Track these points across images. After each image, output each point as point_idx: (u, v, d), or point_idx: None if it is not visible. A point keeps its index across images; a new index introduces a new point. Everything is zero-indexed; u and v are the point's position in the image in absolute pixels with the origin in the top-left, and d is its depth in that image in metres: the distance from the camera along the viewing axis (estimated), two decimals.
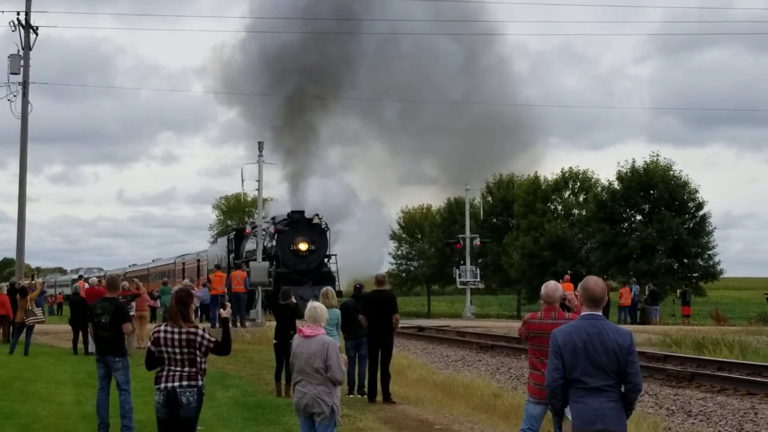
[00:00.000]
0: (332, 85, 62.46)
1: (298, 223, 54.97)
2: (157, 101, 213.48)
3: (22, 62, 46.91)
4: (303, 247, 53.59)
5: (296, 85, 62.19)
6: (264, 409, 18.26)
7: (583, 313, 9.23)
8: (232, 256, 65.29)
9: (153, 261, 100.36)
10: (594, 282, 9.29)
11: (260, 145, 49.77)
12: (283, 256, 53.38)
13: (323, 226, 56.24)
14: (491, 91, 67.37)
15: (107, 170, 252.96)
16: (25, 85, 47.11)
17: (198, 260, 79.47)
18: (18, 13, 46.78)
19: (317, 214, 56.04)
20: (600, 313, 9.15)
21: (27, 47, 47.19)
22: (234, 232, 67.29)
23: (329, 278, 53.33)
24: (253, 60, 66.69)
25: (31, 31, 47.22)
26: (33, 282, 38.16)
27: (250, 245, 61.06)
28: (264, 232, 56.18)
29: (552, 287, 12.14)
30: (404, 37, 66.61)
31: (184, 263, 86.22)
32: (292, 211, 56.60)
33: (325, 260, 57.17)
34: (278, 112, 61.80)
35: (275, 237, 54.68)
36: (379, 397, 19.69)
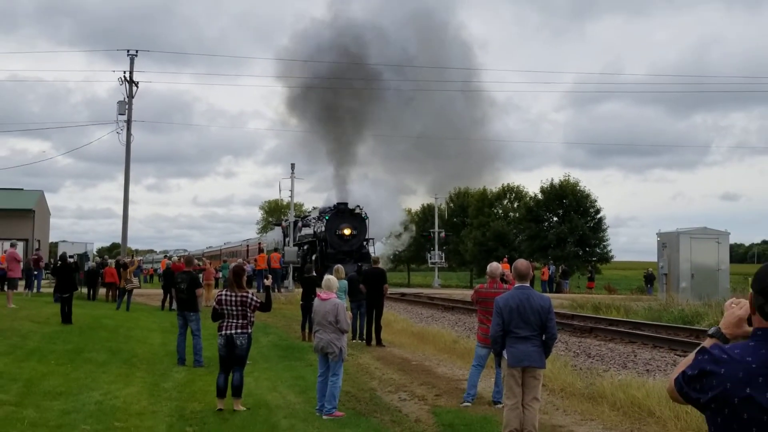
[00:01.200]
0: (357, 123, 59.66)
1: (343, 213, 50.83)
2: (222, 134, 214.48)
3: (126, 107, 46.94)
4: (347, 232, 49.52)
5: (334, 122, 58.98)
6: (293, 350, 18.39)
7: (516, 285, 9.34)
8: (288, 239, 58.98)
9: (225, 243, 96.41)
10: (522, 263, 9.56)
11: (292, 166, 51.63)
12: (330, 239, 49.39)
13: (363, 215, 51.82)
14: (459, 128, 63.77)
15: (186, 182, 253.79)
16: (128, 122, 47.13)
17: (259, 243, 72.02)
18: (124, 72, 47.03)
19: (358, 206, 52.02)
20: (528, 285, 9.37)
21: (130, 96, 47.02)
22: (288, 223, 60.19)
23: (367, 258, 47.14)
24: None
25: (134, 84, 47.27)
26: (132, 259, 39.74)
27: (302, 231, 58.06)
28: (314, 221, 54.76)
29: (494, 266, 12.26)
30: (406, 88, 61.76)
31: (248, 245, 79.57)
32: (338, 203, 52.26)
33: (364, 243, 52.34)
34: (326, 136, 57.85)
35: (325, 223, 50.29)
36: (374, 342, 19.66)
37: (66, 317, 22.00)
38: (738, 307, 3.16)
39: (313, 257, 50.04)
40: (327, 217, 50.25)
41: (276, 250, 60.43)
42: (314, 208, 66.61)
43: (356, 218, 50.90)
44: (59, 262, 27.06)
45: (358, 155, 57.68)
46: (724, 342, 3.17)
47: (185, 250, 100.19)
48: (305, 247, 55.00)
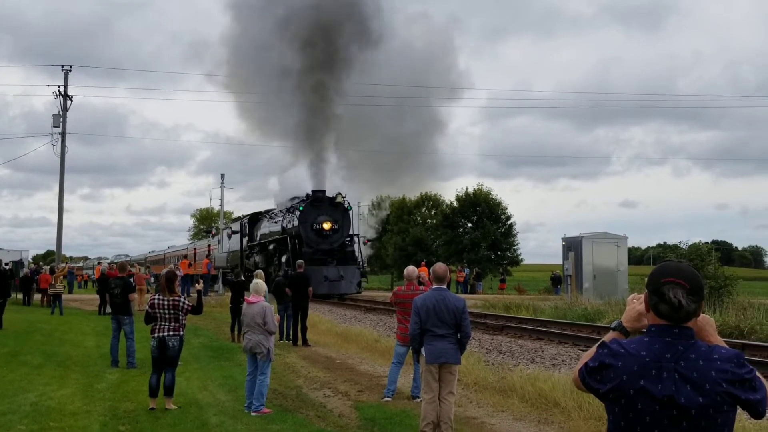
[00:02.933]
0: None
1: (321, 202, 39.08)
2: (155, 146, 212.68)
3: (61, 120, 46.84)
4: (326, 226, 38.16)
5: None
6: (223, 351, 18.20)
7: (433, 287, 9.40)
8: (245, 239, 49.04)
9: (168, 247, 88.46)
10: (440, 266, 9.61)
11: (222, 176, 50.33)
12: (305, 235, 38.12)
13: (346, 206, 40.08)
14: (387, 140, 58.39)
15: (120, 192, 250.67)
16: (63, 135, 46.98)
17: (209, 245, 61.37)
18: (59, 86, 47.04)
19: (340, 193, 39.89)
20: (444, 287, 9.44)
21: (64, 109, 47.02)
22: (248, 218, 49.99)
23: (353, 258, 39.46)
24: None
25: (68, 98, 47.05)
26: (63, 265, 39.56)
27: (264, 229, 46.34)
28: (281, 214, 42.67)
29: (410, 270, 12.35)
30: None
31: (195, 248, 68.90)
32: (315, 191, 39.94)
33: (347, 241, 40.97)
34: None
35: (298, 216, 38.65)
36: (300, 342, 19.55)
37: None
38: (638, 302, 3.25)
39: (283, 258, 39.21)
40: (301, 208, 38.37)
41: (208, 256, 54.99)
42: (268, 209, 53.38)
43: (337, 209, 39.34)
44: None
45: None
46: (626, 334, 3.26)
47: (127, 255, 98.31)
48: (271, 247, 43.32)
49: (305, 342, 19.64)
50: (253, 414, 10.61)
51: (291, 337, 20.03)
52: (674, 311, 3.03)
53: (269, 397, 11.24)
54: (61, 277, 31.44)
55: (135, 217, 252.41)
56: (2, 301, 22.69)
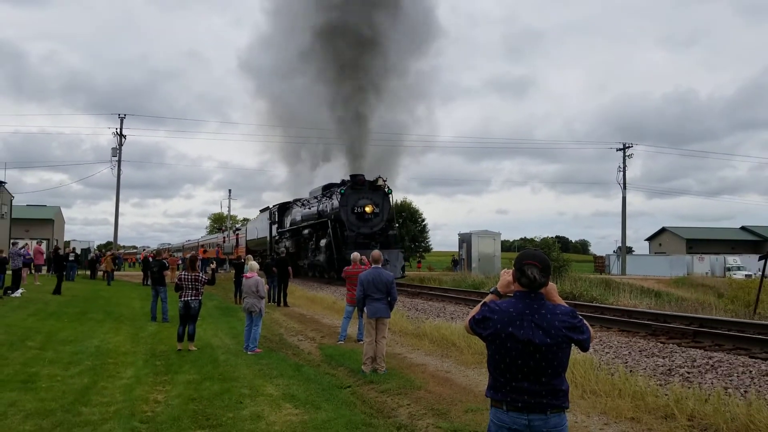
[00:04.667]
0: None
1: (361, 186, 28.21)
2: (184, 170, 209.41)
3: (117, 151, 46.30)
4: (368, 209, 27.61)
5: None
6: (229, 310, 17.91)
7: (372, 266, 9.33)
8: (275, 227, 38.07)
9: (202, 237, 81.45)
10: (376, 252, 9.57)
11: (229, 191, 47.74)
12: (346, 219, 27.47)
13: (386, 189, 28.80)
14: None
15: (159, 201, 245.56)
16: (119, 162, 46.34)
17: (237, 234, 52.72)
18: (116, 128, 46.60)
19: (380, 177, 28.88)
20: (379, 266, 9.32)
21: (120, 144, 46.40)
22: (277, 207, 38.30)
23: (395, 242, 28.63)
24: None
25: (123, 137, 46.38)
26: (112, 252, 39.20)
27: (296, 215, 34.61)
28: (316, 200, 30.99)
29: (355, 255, 12.48)
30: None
31: (224, 237, 59.66)
32: (354, 175, 28.77)
33: (387, 224, 29.07)
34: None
35: (338, 199, 27.65)
36: (282, 304, 19.39)
37: (57, 289, 21.29)
38: (507, 274, 3.27)
39: (322, 243, 28.66)
40: (342, 191, 27.59)
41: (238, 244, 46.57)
42: (259, 212, 45.08)
43: (377, 192, 28.22)
44: (53, 254, 28.67)
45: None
46: (500, 296, 3.28)
47: (169, 244, 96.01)
48: (306, 232, 31.54)
49: (286, 304, 19.47)
50: (249, 353, 10.51)
51: (276, 300, 19.88)
52: (531, 283, 3.08)
53: (260, 341, 11.14)
54: (109, 260, 31.02)
55: (169, 218, 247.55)
56: (59, 274, 22.56)
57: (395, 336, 12.08)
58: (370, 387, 7.91)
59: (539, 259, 3.11)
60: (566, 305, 3.15)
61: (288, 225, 36.01)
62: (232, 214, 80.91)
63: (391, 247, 26.95)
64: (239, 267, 20.62)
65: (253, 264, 11.45)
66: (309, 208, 32.30)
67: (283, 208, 37.86)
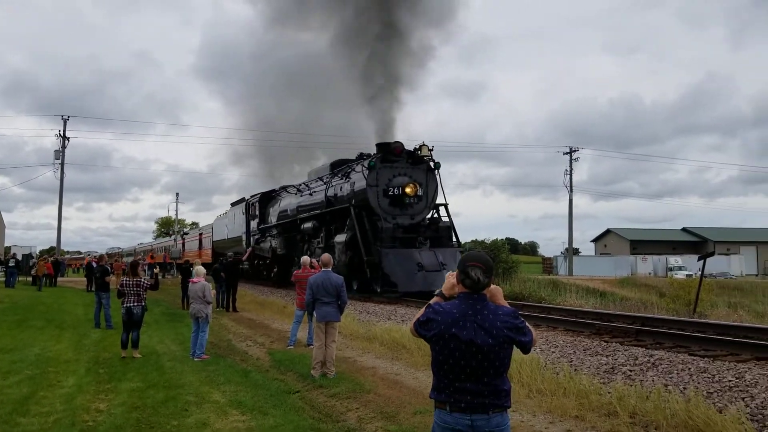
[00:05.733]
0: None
1: (397, 157, 19.60)
2: (131, 173, 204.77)
3: (60, 154, 45.19)
4: (409, 190, 19.24)
5: None
6: (176, 316, 17.67)
7: (321, 269, 9.27)
8: (255, 221, 30.25)
9: (155, 240, 79.14)
10: (326, 256, 9.51)
11: (177, 194, 44.94)
12: (377, 204, 19.21)
13: (433, 163, 19.95)
14: None
15: (104, 205, 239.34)
16: (62, 164, 45.29)
17: (200, 234, 46.93)
18: (59, 130, 45.55)
19: (425, 144, 19.84)
20: (329, 269, 9.23)
21: (63, 147, 45.34)
22: (258, 197, 30.47)
23: (449, 237, 19.84)
24: None
25: (66, 139, 45.45)
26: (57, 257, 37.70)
27: (286, 206, 26.64)
28: (319, 181, 23.69)
29: (305, 259, 12.39)
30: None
31: (183, 240, 53.78)
32: (384, 143, 19.84)
33: (434, 212, 20.67)
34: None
35: (366, 176, 19.28)
36: (231, 309, 19.16)
37: None
38: (452, 277, 3.30)
39: (339, 238, 20.13)
40: (372, 163, 19.31)
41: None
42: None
43: (420, 167, 19.84)
44: None
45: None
46: (444, 298, 3.30)
47: (119, 248, 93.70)
48: (306, 226, 23.20)
49: (234, 309, 19.24)
50: (195, 359, 10.34)
51: (224, 305, 19.61)
52: (475, 284, 3.11)
53: (207, 347, 10.97)
54: (41, 265, 30.32)
55: (115, 223, 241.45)
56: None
57: (345, 339, 12.05)
58: (319, 391, 7.86)
59: (482, 260, 3.15)
60: (509, 306, 3.20)
61: (275, 219, 27.94)
62: (180, 218, 79.29)
63: (444, 245, 18.99)
64: (186, 272, 20.27)
65: (199, 268, 11.26)
66: (311, 194, 23.95)
67: (267, 198, 30.00)
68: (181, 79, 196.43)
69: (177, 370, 9.41)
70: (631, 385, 6.82)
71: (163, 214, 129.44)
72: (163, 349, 11.68)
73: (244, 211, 32.19)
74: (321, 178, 23.72)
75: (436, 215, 20.47)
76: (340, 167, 22.53)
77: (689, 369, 7.51)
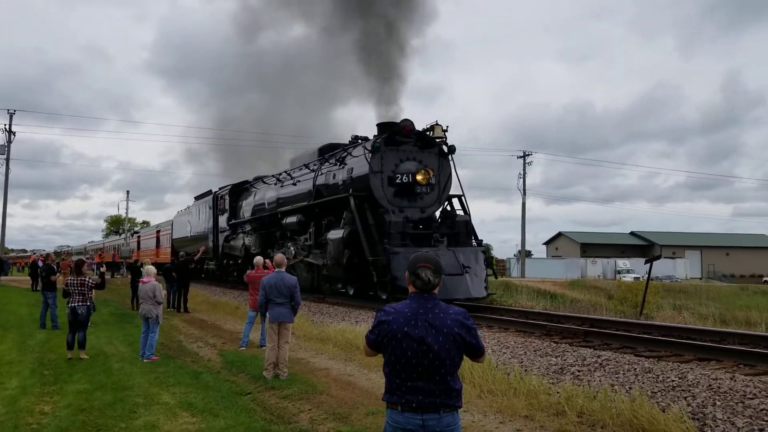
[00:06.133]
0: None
1: (406, 139, 16.23)
2: (82, 170, 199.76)
3: (6, 149, 43.71)
4: (420, 177, 15.84)
5: None
6: (125, 316, 17.33)
7: (275, 270, 9.22)
8: (225, 215, 27.14)
9: (107, 238, 76.39)
10: (279, 256, 9.41)
11: (128, 192, 44.45)
12: (381, 194, 15.83)
13: (447, 146, 16.70)
14: None
15: (52, 202, 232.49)
16: (7, 159, 43.76)
17: (158, 231, 43.27)
18: (5, 125, 44.49)
19: (438, 123, 16.75)
20: (283, 270, 9.18)
21: (9, 141, 43.81)
22: (228, 189, 27.46)
23: (467, 234, 16.28)
24: None
25: (12, 134, 43.97)
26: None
27: (262, 198, 23.66)
28: (304, 168, 20.58)
29: (258, 260, 12.40)
30: None
31: (138, 238, 50.09)
32: (388, 123, 16.70)
33: (447, 206, 17.18)
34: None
35: (369, 159, 15.84)
36: (182, 310, 18.88)
37: None
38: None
39: (331, 236, 17.17)
40: (377, 145, 15.97)
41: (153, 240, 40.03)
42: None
43: (430, 152, 16.79)
44: None
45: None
46: (396, 300, 3.36)
47: (68, 246, 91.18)
48: (291, 221, 20.35)
49: (186, 309, 18.96)
50: (145, 360, 10.17)
51: (175, 305, 19.30)
52: (425, 285, 3.17)
53: (157, 348, 10.80)
54: None
55: (63, 221, 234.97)
56: None
57: (299, 340, 12.00)
58: (272, 393, 7.81)
59: (431, 261, 3.22)
60: (458, 307, 3.26)
61: (249, 213, 24.73)
62: (131, 216, 77.71)
63: (462, 243, 15.87)
64: (136, 271, 19.89)
65: (150, 268, 11.08)
66: (294, 184, 20.60)
67: (238, 190, 26.97)
68: (134, 75, 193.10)
69: (125, 372, 9.23)
70: (579, 385, 6.98)
71: (114, 212, 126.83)
72: (111, 350, 11.45)
73: (211, 205, 28.84)
74: (307, 166, 20.32)
75: (448, 208, 17.33)
76: (331, 152, 19.25)
77: (635, 369, 7.71)
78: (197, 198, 33.46)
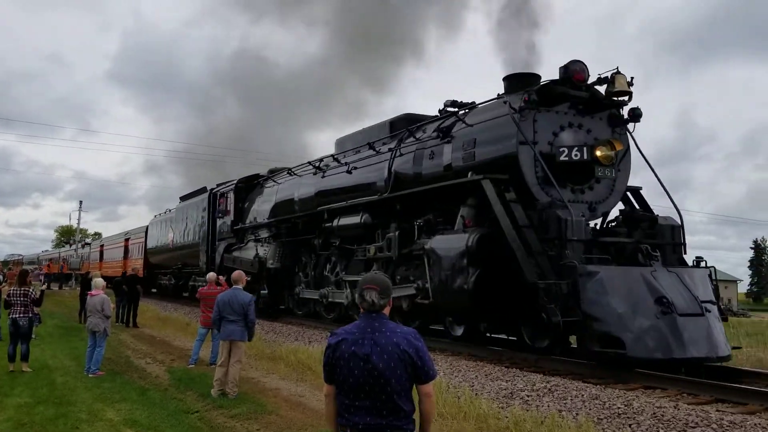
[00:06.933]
0: None
1: (576, 93, 9.72)
2: (35, 178, 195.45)
3: None
4: (602, 154, 9.33)
5: None
6: (72, 329, 17.01)
7: (234, 287, 9.16)
8: (226, 219, 21.63)
9: (61, 248, 73.12)
10: (236, 273, 9.35)
11: (80, 202, 43.76)
12: (535, 177, 9.64)
13: (629, 113, 10.06)
14: None
15: (1, 210, 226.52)
16: None
17: (126, 240, 37.23)
18: None
19: (618, 71, 9.63)
20: (239, 287, 9.11)
21: None
22: (234, 184, 21.56)
23: (677, 244, 9.80)
24: None
25: None
26: None
27: (285, 192, 17.78)
28: (368, 150, 14.30)
29: (210, 276, 12.21)
30: None
31: (101, 247, 44.00)
32: (528, 75, 10.52)
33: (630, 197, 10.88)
34: None
35: (519, 123, 9.63)
36: (131, 324, 18.51)
37: None
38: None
39: (452, 246, 10.17)
40: (533, 100, 9.84)
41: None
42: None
43: (600, 114, 10.56)
44: None
45: None
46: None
47: (19, 255, 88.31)
48: (355, 221, 13.91)
49: (135, 324, 18.61)
50: (90, 375, 9.97)
51: (124, 320, 18.92)
52: (371, 306, 3.21)
53: (103, 363, 10.59)
54: None
55: (12, 229, 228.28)
56: None
57: (250, 359, 11.86)
58: (220, 412, 7.71)
59: (377, 282, 3.26)
60: (408, 327, 3.29)
61: (265, 215, 18.91)
62: (83, 227, 75.91)
63: (669, 260, 10.11)
64: (86, 283, 19.46)
65: (98, 281, 10.89)
66: (349, 171, 14.82)
67: (247, 187, 21.11)
68: (94, 84, 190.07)
69: (69, 386, 9.01)
70: (528, 410, 7.07)
71: (65, 222, 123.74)
72: (55, 363, 11.16)
73: (206, 206, 23.00)
74: (372, 146, 14.31)
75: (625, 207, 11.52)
76: (412, 125, 13.49)
77: (582, 395, 7.85)
78: (184, 198, 28.11)
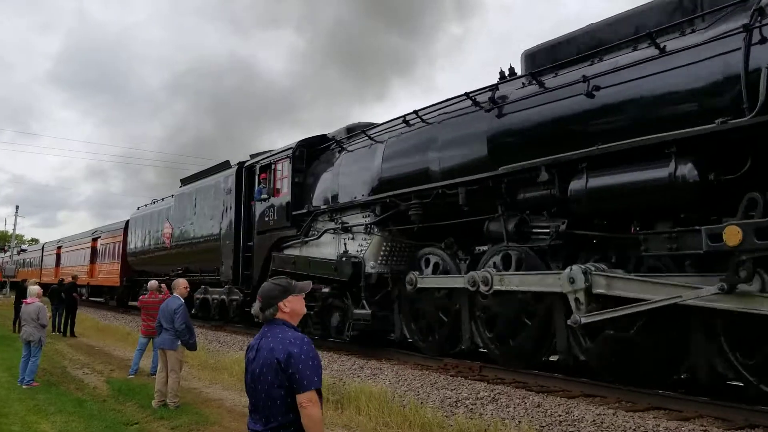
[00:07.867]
0: None
1: None
2: None
3: None
4: None
5: None
6: (5, 339, 16.53)
7: (173, 296, 9.01)
8: (276, 200, 14.20)
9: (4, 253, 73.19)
10: (178, 281, 9.18)
11: (17, 207, 41.83)
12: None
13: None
14: None
15: None
16: None
17: (94, 240, 30.07)
18: None
19: None
20: (177, 295, 8.95)
21: None
22: (297, 147, 13.89)
23: None
24: None
25: None
26: None
27: (404, 145, 10.39)
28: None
29: (152, 283, 12.00)
30: None
31: (59, 249, 37.14)
32: None
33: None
34: None
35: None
36: (68, 334, 17.98)
37: None
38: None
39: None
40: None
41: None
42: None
43: None
44: None
45: None
46: None
47: None
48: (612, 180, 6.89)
49: (72, 333, 18.10)
50: (24, 387, 9.63)
51: (61, 329, 18.35)
52: (256, 317, 3.31)
53: (39, 374, 10.26)
54: None
55: None
56: None
57: (193, 370, 11.65)
58: (160, 423, 7.55)
59: (262, 293, 3.30)
60: (300, 334, 3.20)
61: (358, 191, 12.10)
62: (18, 233, 73.34)
63: None
64: (21, 291, 18.81)
65: (34, 288, 10.55)
66: (590, 90, 7.50)
67: (316, 151, 14.32)
68: (34, 85, 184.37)
69: (1, 398, 8.70)
70: (472, 418, 7.15)
71: (1, 227, 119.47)
72: None
73: (232, 186, 16.80)
74: (653, 35, 7.13)
75: None
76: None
77: (525, 404, 7.98)
78: (187, 181, 21.21)
